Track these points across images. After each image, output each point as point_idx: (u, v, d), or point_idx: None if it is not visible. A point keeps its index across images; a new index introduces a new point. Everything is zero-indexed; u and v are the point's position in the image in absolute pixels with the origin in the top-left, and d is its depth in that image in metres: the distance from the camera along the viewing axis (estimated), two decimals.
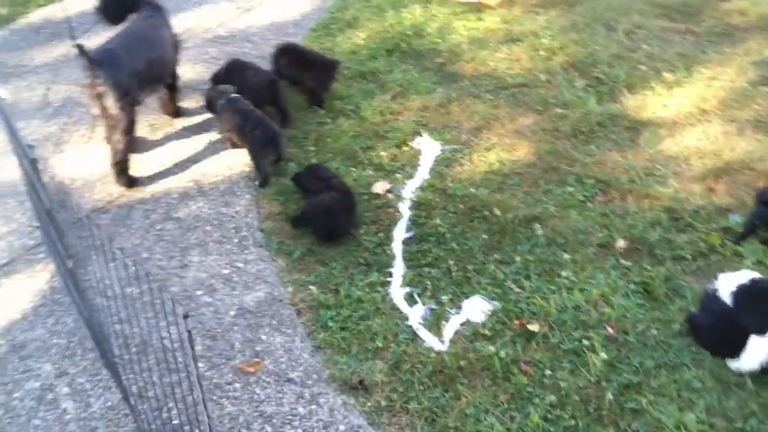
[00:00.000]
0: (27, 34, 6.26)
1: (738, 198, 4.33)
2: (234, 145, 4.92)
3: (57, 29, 5.33)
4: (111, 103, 4.40)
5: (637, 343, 3.45)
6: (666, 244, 4.00)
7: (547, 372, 3.32)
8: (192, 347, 2.08)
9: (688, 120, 5.04)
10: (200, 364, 3.48)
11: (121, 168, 4.62)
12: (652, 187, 4.43)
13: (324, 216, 4.14)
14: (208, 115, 5.33)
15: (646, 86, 5.41)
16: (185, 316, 2.01)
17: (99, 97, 4.40)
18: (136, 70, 4.51)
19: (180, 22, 6.66)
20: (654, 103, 5.24)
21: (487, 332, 3.55)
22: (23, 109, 5.08)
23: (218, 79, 5.25)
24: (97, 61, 4.32)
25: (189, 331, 2.04)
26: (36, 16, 6.47)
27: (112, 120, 4.47)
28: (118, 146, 4.55)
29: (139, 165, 4.91)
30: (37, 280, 4.03)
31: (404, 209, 4.40)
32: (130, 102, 4.49)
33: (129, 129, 4.53)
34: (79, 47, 4.26)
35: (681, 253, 3.94)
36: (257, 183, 4.66)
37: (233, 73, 5.27)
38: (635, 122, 5.07)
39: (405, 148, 4.97)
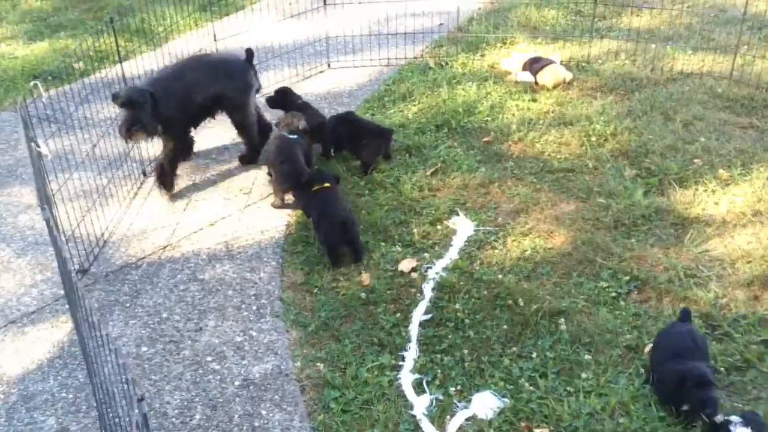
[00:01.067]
0: (97, 88, 6.59)
1: None
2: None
3: (124, 86, 5.59)
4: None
5: None
6: None
7: None
8: (147, 429, 2.04)
9: (739, 220, 4.78)
10: None
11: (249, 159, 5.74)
12: (691, 290, 4.19)
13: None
14: (248, 179, 5.45)
15: (699, 181, 5.19)
16: (140, 399, 1.97)
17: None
18: None
19: None
20: (705, 199, 5.00)
21: None
22: (79, 161, 5.31)
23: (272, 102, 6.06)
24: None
25: (144, 414, 2.00)
26: (109, 72, 6.82)
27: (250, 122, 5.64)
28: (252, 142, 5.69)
29: (177, 223, 5.03)
30: (58, 331, 4.12)
31: (427, 290, 4.31)
32: None
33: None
34: (248, 50, 5.53)
35: (714, 364, 3.67)
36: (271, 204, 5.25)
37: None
38: (682, 218, 4.84)
39: (439, 227, 4.90)
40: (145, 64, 6.31)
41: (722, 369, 3.66)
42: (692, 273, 4.35)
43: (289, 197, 5.19)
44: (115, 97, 4.89)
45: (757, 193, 5.00)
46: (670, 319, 3.98)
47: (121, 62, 5.55)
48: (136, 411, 1.96)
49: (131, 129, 4.82)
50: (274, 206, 5.15)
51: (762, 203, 4.91)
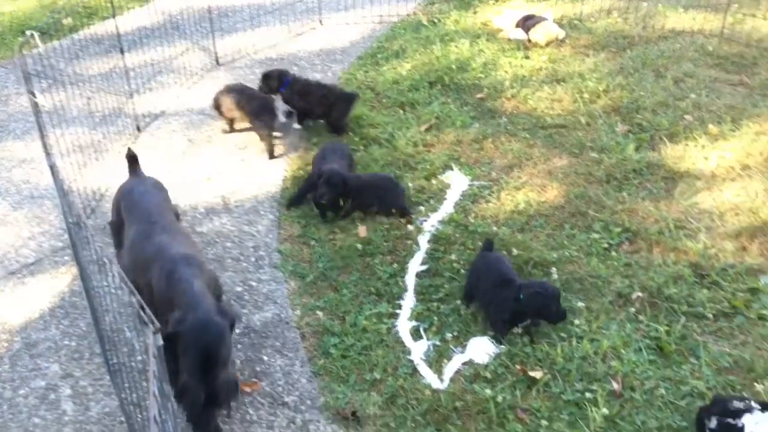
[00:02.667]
0: (87, 45, 6.54)
1: None
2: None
3: (115, 42, 5.54)
4: None
5: (643, 401, 3.32)
6: (687, 301, 3.85)
7: (544, 422, 3.22)
8: (162, 361, 2.10)
9: (728, 174, 4.87)
10: None
11: None
12: (681, 241, 4.29)
13: None
14: (244, 136, 5.47)
15: (689, 136, 5.26)
16: (155, 332, 2.03)
17: None
18: None
19: (233, 42, 6.87)
20: (695, 154, 5.08)
21: (488, 375, 3.48)
22: (73, 116, 5.30)
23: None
24: None
25: (160, 346, 2.07)
26: (98, 28, 6.76)
27: None
28: None
29: (173, 177, 5.05)
30: (59, 281, 4.16)
31: (423, 242, 4.38)
32: None
33: None
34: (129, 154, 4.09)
35: (702, 311, 3.79)
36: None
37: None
38: (672, 172, 4.93)
39: (433, 181, 4.96)
40: (136, 20, 6.25)
41: (710, 315, 3.78)
42: (682, 225, 4.44)
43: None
44: None
45: (745, 148, 5.09)
46: (660, 268, 4.08)
47: (114, 17, 5.49)
48: (152, 343, 2.02)
49: None
50: (269, 152, 5.23)
51: (750, 158, 5.00)
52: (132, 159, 4.00)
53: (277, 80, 5.51)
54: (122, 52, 5.52)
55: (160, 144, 5.46)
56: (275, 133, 5.29)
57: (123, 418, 3.31)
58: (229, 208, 4.73)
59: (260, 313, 3.90)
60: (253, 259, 4.30)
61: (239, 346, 3.69)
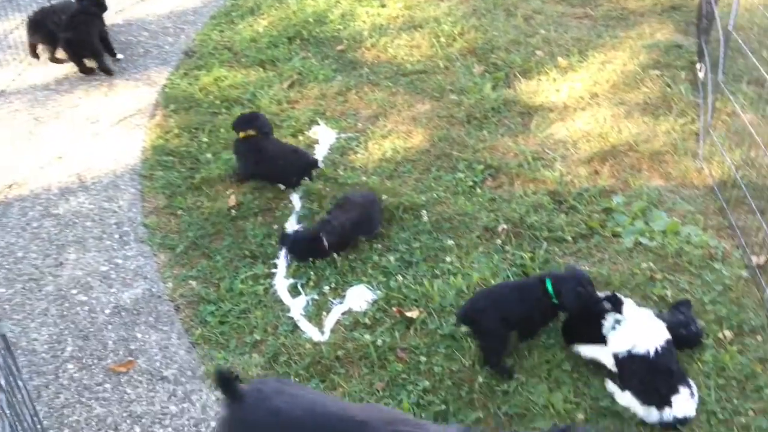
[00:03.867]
0: None
1: (622, 180, 4.42)
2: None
3: None
4: None
5: None
6: (548, 227, 4.05)
7: (423, 358, 3.33)
8: (9, 353, 1.99)
9: (578, 104, 5.12)
10: (70, 366, 3.37)
11: None
12: (539, 171, 4.49)
13: None
14: (94, 107, 5.19)
15: (541, 71, 5.47)
16: None
17: None
18: None
19: None
20: (547, 88, 5.30)
21: (367, 321, 3.54)
22: None
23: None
24: None
25: (3, 335, 1.95)
26: None
27: None
28: None
29: (21, 159, 4.72)
30: None
31: (295, 200, 4.35)
32: None
33: None
34: None
35: (562, 235, 4.01)
36: None
37: None
38: (528, 107, 5.12)
39: (300, 138, 4.91)
40: None
41: (570, 238, 4.00)
42: (539, 156, 4.64)
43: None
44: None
45: (593, 77, 5.35)
46: (522, 199, 4.26)
47: None
48: None
49: None
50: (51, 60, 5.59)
51: (598, 86, 5.27)
52: (226, 381, 2.50)
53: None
54: None
55: (2, 126, 5.07)
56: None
57: None
58: (85, 186, 4.49)
59: (130, 290, 3.77)
60: (117, 236, 4.12)
61: (109, 326, 3.56)
